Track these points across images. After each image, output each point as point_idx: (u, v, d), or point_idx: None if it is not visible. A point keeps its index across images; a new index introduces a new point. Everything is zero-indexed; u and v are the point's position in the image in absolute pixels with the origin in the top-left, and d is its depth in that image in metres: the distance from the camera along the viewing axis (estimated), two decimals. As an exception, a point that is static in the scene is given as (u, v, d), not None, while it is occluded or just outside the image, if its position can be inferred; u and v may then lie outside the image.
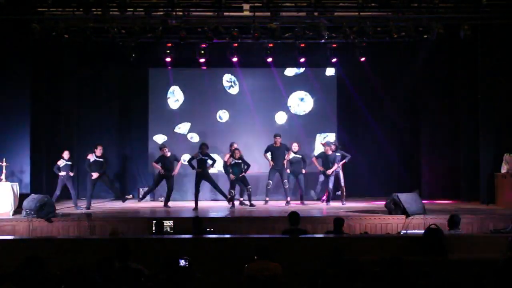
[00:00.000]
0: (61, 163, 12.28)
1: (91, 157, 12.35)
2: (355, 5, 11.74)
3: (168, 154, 12.88)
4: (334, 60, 13.85)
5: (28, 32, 11.82)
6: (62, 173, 12.23)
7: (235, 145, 13.01)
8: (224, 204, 12.76)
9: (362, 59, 13.52)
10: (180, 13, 12.06)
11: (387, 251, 6.15)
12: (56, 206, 10.97)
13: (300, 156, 13.06)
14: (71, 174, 12.41)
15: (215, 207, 12.63)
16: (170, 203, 12.72)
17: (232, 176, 12.51)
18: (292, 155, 13.03)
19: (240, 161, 12.58)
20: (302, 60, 13.64)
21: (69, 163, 12.38)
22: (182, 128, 14.87)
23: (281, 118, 14.98)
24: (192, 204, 12.35)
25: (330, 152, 12.91)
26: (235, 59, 13.41)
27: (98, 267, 4.79)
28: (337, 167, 12.88)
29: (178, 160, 13.08)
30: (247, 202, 12.75)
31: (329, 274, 4.77)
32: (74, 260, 6.28)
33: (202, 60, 13.51)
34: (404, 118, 15.12)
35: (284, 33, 12.61)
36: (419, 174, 14.61)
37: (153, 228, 9.07)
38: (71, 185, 12.45)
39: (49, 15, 11.94)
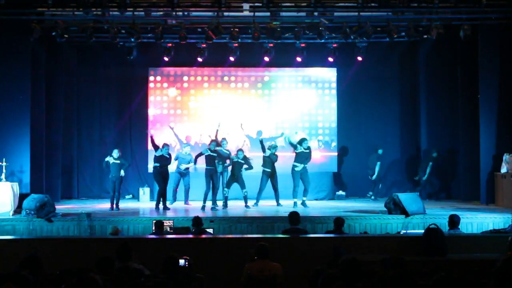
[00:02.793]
0: (110, 159, 12.18)
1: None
2: (355, 5, 11.73)
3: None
4: (333, 60, 13.87)
5: (28, 32, 11.83)
6: (114, 174, 12.13)
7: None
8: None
9: (360, 58, 13.54)
10: (180, 13, 12.07)
11: (387, 251, 6.15)
12: (56, 206, 10.99)
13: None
14: (122, 173, 12.21)
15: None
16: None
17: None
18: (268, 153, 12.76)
19: (243, 161, 12.52)
20: (302, 60, 13.68)
21: (118, 161, 12.17)
22: (181, 128, 14.83)
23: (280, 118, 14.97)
24: (193, 204, 12.36)
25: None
26: (233, 59, 13.45)
27: (98, 267, 4.79)
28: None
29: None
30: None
31: (329, 274, 4.77)
32: (74, 260, 6.28)
33: (201, 59, 13.55)
34: (404, 117, 15.13)
35: (284, 33, 12.63)
36: (419, 174, 14.58)
37: (153, 228, 9.07)
38: (117, 186, 12.26)
39: (49, 15, 11.95)
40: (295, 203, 12.32)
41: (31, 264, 4.58)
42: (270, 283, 5.82)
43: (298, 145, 12.58)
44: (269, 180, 12.57)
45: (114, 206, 12.13)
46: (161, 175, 12.17)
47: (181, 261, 5.69)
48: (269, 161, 12.54)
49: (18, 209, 11.00)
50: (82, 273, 4.04)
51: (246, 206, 12.28)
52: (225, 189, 12.39)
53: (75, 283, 3.69)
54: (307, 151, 12.58)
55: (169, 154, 12.45)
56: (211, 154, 12.24)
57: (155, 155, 12.28)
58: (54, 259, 6.14)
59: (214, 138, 12.65)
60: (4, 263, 6.16)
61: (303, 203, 12.45)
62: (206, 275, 5.94)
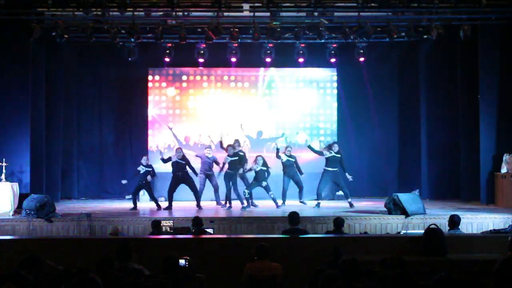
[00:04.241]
0: (141, 169, 12.33)
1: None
2: (355, 5, 11.73)
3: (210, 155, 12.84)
4: (333, 60, 13.87)
5: (28, 32, 11.82)
6: (143, 181, 12.31)
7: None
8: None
9: (362, 59, 13.53)
10: (180, 13, 12.07)
11: (387, 251, 6.15)
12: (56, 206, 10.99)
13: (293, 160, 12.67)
14: (149, 179, 12.35)
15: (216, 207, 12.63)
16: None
17: None
18: (285, 158, 12.67)
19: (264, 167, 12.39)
20: (302, 60, 13.67)
21: (149, 169, 12.35)
22: (180, 128, 14.81)
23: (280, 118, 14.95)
24: (190, 203, 12.38)
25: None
26: (233, 59, 13.44)
27: (98, 267, 4.79)
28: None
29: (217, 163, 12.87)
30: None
31: (329, 274, 4.77)
32: (74, 260, 6.28)
33: (201, 59, 13.55)
34: (404, 118, 15.13)
35: (284, 33, 12.63)
36: (419, 174, 14.60)
37: (152, 228, 9.06)
38: (149, 191, 12.52)
39: (49, 15, 11.96)
40: (318, 204, 12.26)
41: (31, 264, 4.58)
42: (270, 283, 5.83)
43: (324, 151, 12.46)
44: (290, 180, 12.56)
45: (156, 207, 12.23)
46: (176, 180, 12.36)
47: (181, 261, 5.69)
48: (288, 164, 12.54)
49: (18, 209, 11.00)
50: (82, 273, 4.04)
51: (278, 206, 12.18)
52: (245, 190, 12.26)
53: (75, 283, 3.69)
54: (338, 155, 12.38)
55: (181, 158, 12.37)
56: (233, 159, 12.27)
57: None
58: (54, 259, 6.13)
59: (225, 145, 12.69)
60: (4, 263, 6.16)
61: (351, 204, 12.25)
62: (206, 275, 5.94)
